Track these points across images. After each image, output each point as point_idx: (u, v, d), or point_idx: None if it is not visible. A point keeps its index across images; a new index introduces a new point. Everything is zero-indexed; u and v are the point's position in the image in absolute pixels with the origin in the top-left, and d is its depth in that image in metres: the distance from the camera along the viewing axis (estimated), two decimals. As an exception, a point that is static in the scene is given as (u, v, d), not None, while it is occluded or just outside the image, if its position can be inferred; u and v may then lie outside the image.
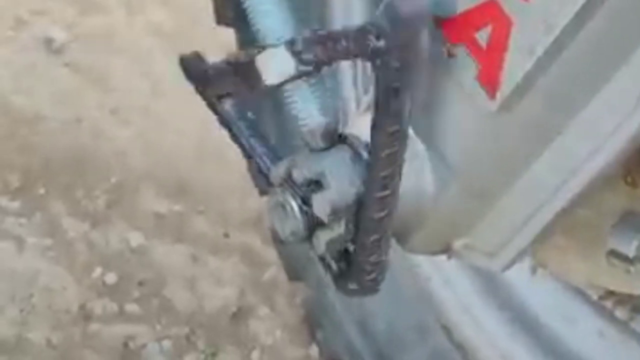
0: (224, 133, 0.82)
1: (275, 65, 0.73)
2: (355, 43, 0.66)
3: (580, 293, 1.10)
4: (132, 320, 1.55)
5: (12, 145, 1.72)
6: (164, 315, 1.55)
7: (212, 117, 0.85)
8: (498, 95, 0.68)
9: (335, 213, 0.68)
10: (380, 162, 0.66)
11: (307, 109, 0.73)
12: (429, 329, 1.21)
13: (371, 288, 0.69)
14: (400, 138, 0.66)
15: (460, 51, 0.69)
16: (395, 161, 0.67)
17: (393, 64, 0.63)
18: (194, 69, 0.80)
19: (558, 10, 0.63)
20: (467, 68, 0.69)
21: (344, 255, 0.71)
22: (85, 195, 1.69)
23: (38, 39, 1.87)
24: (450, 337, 1.19)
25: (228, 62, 0.77)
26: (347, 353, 1.34)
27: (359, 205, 0.68)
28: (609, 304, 1.02)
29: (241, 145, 0.80)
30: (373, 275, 0.68)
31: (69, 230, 1.64)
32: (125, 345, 1.52)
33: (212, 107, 0.81)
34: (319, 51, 0.70)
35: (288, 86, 0.74)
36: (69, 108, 1.80)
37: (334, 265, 0.71)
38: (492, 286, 1.17)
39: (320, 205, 0.68)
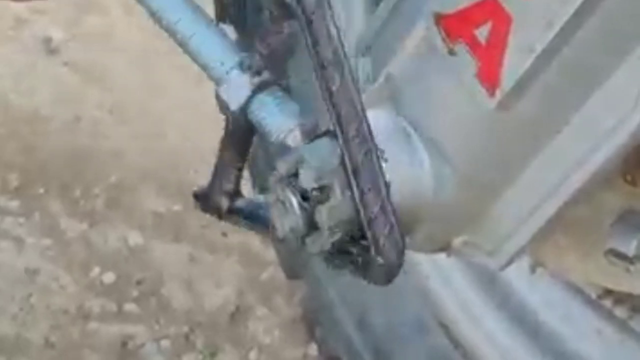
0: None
1: (234, 90, 0.74)
2: (273, 4, 0.69)
3: (579, 292, 1.10)
4: (131, 319, 1.55)
5: (11, 145, 1.72)
6: (163, 314, 1.55)
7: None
8: (497, 92, 0.68)
9: (321, 178, 0.68)
10: (334, 96, 0.67)
11: (275, 122, 0.74)
12: (428, 327, 1.21)
13: (393, 250, 0.67)
14: (339, 60, 0.67)
15: (460, 48, 0.69)
16: (348, 90, 0.67)
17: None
18: (206, 196, 0.81)
19: (558, 7, 0.63)
20: (466, 65, 0.69)
21: (357, 244, 0.70)
22: (84, 195, 1.69)
23: (38, 38, 1.87)
24: (448, 334, 1.19)
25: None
26: (346, 351, 1.34)
27: (344, 167, 0.68)
28: (608, 302, 1.02)
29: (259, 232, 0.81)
30: (387, 230, 0.67)
31: (67, 229, 1.64)
32: (124, 344, 1.52)
33: (232, 218, 0.82)
34: (260, 47, 0.71)
35: (254, 106, 0.74)
36: (68, 107, 1.80)
37: (355, 253, 0.70)
38: (491, 284, 1.18)
39: (305, 176, 0.68)
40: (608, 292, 1.01)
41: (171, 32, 0.80)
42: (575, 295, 1.12)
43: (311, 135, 0.72)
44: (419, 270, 1.21)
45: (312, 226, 0.69)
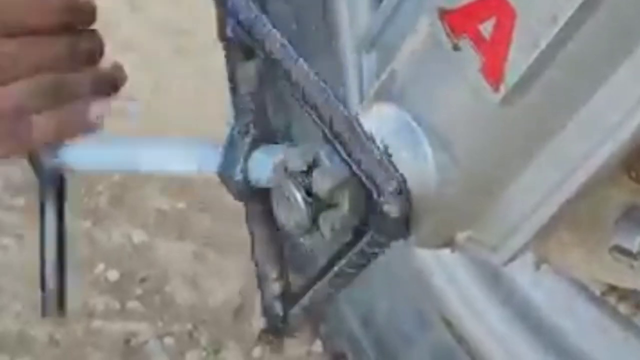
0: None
1: (231, 161, 0.76)
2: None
3: (583, 288, 1.10)
4: (134, 317, 1.55)
5: (14, 142, 1.72)
6: (166, 312, 1.56)
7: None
8: (502, 87, 0.68)
9: (305, 155, 0.69)
10: (293, 74, 0.70)
11: (260, 168, 0.75)
12: (432, 323, 1.21)
13: (390, 181, 0.67)
14: (288, 52, 0.72)
15: (464, 44, 0.69)
16: (303, 69, 0.71)
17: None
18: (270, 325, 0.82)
19: (563, 2, 0.63)
20: (470, 61, 0.69)
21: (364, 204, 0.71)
22: (87, 192, 1.69)
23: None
24: (452, 330, 1.19)
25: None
26: (351, 348, 1.34)
27: (325, 135, 0.70)
28: (612, 299, 1.02)
29: None
30: (389, 206, 0.67)
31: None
32: (127, 342, 1.52)
33: (293, 321, 0.82)
34: (237, 101, 0.73)
35: (251, 166, 0.76)
36: (72, 105, 1.79)
37: (372, 233, 0.71)
38: (494, 280, 1.18)
39: (292, 161, 0.69)
40: (612, 289, 1.02)
41: (158, 173, 0.84)
42: (580, 291, 1.12)
43: None
44: (423, 267, 1.21)
45: (317, 210, 0.69)
